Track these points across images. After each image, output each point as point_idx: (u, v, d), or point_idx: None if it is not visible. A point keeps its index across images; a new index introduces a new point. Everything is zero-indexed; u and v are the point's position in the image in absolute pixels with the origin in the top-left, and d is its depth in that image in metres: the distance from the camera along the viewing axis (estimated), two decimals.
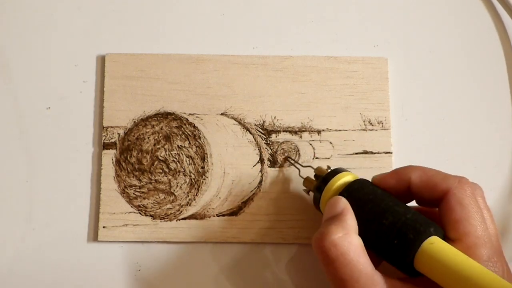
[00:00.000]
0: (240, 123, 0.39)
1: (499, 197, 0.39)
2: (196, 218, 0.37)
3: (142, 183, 0.38)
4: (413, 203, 0.33)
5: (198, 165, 0.38)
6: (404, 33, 0.41)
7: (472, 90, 0.41)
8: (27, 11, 0.41)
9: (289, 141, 0.39)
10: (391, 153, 0.38)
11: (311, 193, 0.35)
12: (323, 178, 0.34)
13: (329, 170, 0.34)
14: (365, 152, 0.38)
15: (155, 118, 0.39)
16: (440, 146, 0.39)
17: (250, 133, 0.39)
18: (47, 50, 0.40)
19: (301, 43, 0.41)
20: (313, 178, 0.35)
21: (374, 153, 0.38)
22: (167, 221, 0.37)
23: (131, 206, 0.37)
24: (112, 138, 0.38)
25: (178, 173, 0.38)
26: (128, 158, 0.38)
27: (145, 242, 0.37)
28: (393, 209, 0.30)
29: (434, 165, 0.33)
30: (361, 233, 0.31)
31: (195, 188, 0.38)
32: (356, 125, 0.39)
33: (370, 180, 0.33)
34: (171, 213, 0.37)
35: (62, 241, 0.37)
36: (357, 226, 0.31)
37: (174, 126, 0.39)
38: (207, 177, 0.38)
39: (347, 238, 0.29)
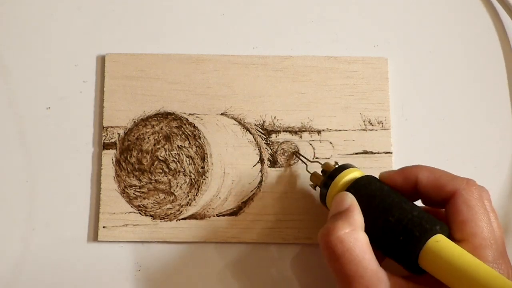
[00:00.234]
0: (240, 123, 0.39)
1: (499, 197, 0.39)
2: (196, 218, 0.37)
3: (142, 183, 0.38)
4: (419, 204, 0.33)
5: (198, 165, 0.38)
6: (404, 33, 0.41)
7: (472, 90, 0.41)
8: (27, 11, 0.41)
9: (289, 141, 0.39)
10: (391, 153, 0.38)
11: (318, 189, 0.35)
12: (330, 173, 0.34)
13: (336, 166, 0.34)
14: (365, 152, 0.38)
15: (155, 118, 0.39)
16: (440, 146, 0.39)
17: (250, 133, 0.39)
18: (47, 50, 0.40)
19: (301, 43, 0.41)
20: (320, 173, 0.35)
21: (374, 153, 0.38)
22: (167, 221, 0.37)
23: (131, 206, 0.37)
24: (112, 138, 0.38)
25: (178, 173, 0.38)
26: (128, 158, 0.38)
27: (145, 242, 0.37)
28: (399, 206, 0.31)
29: (434, 165, 0.33)
30: (367, 229, 0.31)
31: (195, 188, 0.38)
32: (356, 125, 0.39)
33: (377, 177, 0.33)
34: (171, 213, 0.37)
35: (62, 241, 0.37)
36: (363, 222, 0.31)
37: (174, 126, 0.39)
38: (207, 177, 0.38)
39: (354, 234, 0.29)
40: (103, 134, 0.39)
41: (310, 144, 0.39)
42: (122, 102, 0.39)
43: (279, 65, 0.40)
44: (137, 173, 0.38)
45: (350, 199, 0.31)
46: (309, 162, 0.37)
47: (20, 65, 0.40)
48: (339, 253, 0.29)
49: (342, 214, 0.31)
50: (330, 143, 0.39)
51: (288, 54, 0.40)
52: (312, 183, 0.36)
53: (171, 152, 0.38)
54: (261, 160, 0.38)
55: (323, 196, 0.34)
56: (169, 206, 0.38)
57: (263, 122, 0.39)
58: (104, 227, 0.37)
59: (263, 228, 0.37)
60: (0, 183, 0.38)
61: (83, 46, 0.41)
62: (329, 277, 0.36)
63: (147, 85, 0.39)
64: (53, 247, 0.37)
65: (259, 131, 0.39)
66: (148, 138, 0.39)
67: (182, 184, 0.38)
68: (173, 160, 0.38)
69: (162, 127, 0.39)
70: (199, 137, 0.39)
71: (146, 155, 0.38)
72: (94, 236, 0.37)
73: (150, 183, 0.38)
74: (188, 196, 0.38)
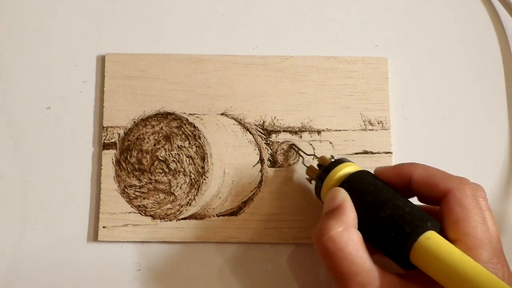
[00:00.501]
0: (240, 123, 0.39)
1: (498, 197, 0.39)
2: (196, 218, 0.37)
3: (142, 183, 0.38)
4: (415, 201, 0.33)
5: (198, 165, 0.38)
6: (404, 33, 0.41)
7: (472, 90, 0.41)
8: (27, 11, 0.41)
9: (289, 141, 0.39)
10: (391, 153, 0.38)
11: (313, 182, 0.35)
12: (326, 167, 0.34)
13: (332, 160, 0.34)
14: (365, 152, 0.38)
15: (155, 118, 0.39)
16: (440, 146, 0.39)
17: (250, 133, 0.39)
18: (47, 50, 0.40)
19: (301, 43, 0.41)
20: (316, 167, 0.35)
21: (374, 153, 0.38)
22: (167, 221, 0.37)
23: (131, 206, 0.37)
24: (112, 138, 0.38)
25: (178, 173, 0.38)
26: (128, 158, 0.38)
27: (145, 242, 0.37)
28: (392, 202, 0.31)
29: (434, 165, 0.33)
30: (359, 225, 0.31)
31: (195, 188, 0.38)
32: (356, 125, 0.39)
33: (372, 172, 0.33)
34: (171, 213, 0.37)
35: (62, 241, 0.37)
36: (356, 219, 0.31)
37: (174, 126, 0.39)
38: (207, 177, 0.38)
39: (346, 233, 0.30)
40: (103, 134, 0.39)
41: (310, 144, 0.39)
42: (122, 102, 0.39)
43: (279, 65, 0.40)
44: (137, 173, 0.38)
45: (342, 196, 0.31)
46: (306, 156, 0.37)
47: (20, 65, 0.40)
48: (332, 252, 0.29)
49: (334, 212, 0.31)
50: (330, 143, 0.39)
51: (288, 54, 0.40)
52: (308, 177, 0.36)
53: (171, 152, 0.38)
54: (261, 160, 0.38)
55: (318, 190, 0.34)
56: (169, 206, 0.38)
57: (263, 122, 0.39)
58: (104, 227, 0.37)
59: (263, 228, 0.37)
60: (0, 183, 0.38)
61: (83, 46, 0.41)
62: (328, 276, 0.36)
63: (147, 85, 0.39)
64: (53, 247, 0.37)
65: (259, 131, 0.39)
66: (148, 138, 0.39)
67: (182, 184, 0.38)
68: (173, 160, 0.38)
69: (162, 127, 0.39)
70: (199, 137, 0.39)
71: (146, 155, 0.38)
72: (94, 236, 0.37)
73: (150, 183, 0.38)
74: (188, 196, 0.38)
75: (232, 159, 0.38)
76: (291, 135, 0.39)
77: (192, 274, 0.37)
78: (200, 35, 0.41)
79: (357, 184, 0.32)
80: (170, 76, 0.40)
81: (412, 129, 0.40)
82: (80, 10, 0.41)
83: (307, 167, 0.36)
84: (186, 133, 0.39)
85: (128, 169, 0.38)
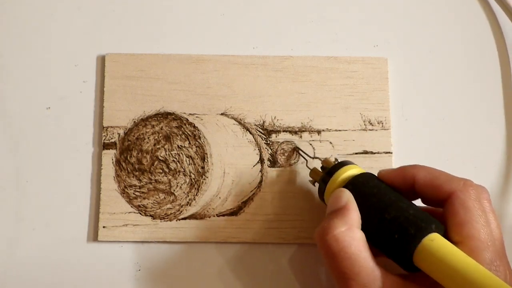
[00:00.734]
0: (240, 123, 0.39)
1: (498, 197, 0.39)
2: (196, 218, 0.37)
3: (142, 183, 0.38)
4: (419, 202, 0.33)
5: (198, 165, 0.38)
6: (404, 33, 0.41)
7: (472, 90, 0.41)
8: (27, 11, 0.41)
9: (289, 141, 0.39)
10: (391, 153, 0.38)
11: (317, 184, 0.35)
12: (329, 170, 0.34)
13: (335, 162, 0.34)
14: (365, 152, 0.38)
15: (155, 118, 0.39)
16: (440, 146, 0.39)
17: (250, 133, 0.39)
18: (47, 50, 0.40)
19: (301, 43, 0.41)
20: (319, 169, 0.35)
21: (374, 153, 0.38)
22: (167, 221, 0.37)
23: (131, 206, 0.37)
24: (112, 138, 0.38)
25: (178, 173, 0.38)
26: (128, 158, 0.38)
27: (145, 242, 0.37)
28: (396, 204, 0.31)
29: (434, 165, 0.33)
30: (363, 227, 0.31)
31: (195, 188, 0.38)
32: (356, 125, 0.39)
33: (376, 175, 0.33)
34: (171, 213, 0.37)
35: (62, 241, 0.37)
36: (360, 220, 0.31)
37: (174, 126, 0.39)
38: (207, 177, 0.38)
39: (349, 233, 0.30)
40: (103, 134, 0.39)
41: (310, 144, 0.39)
42: (122, 102, 0.39)
43: (279, 65, 0.40)
44: (137, 173, 0.38)
45: (347, 196, 0.31)
46: (310, 158, 0.37)
47: (20, 65, 0.40)
48: (335, 251, 0.29)
49: (338, 212, 0.31)
50: (330, 143, 0.39)
51: (288, 54, 0.40)
52: (311, 179, 0.36)
53: (171, 152, 0.38)
54: (261, 160, 0.38)
55: (321, 192, 0.34)
56: (169, 206, 0.38)
57: (263, 122, 0.39)
58: (104, 227, 0.37)
59: (263, 228, 0.37)
60: (0, 183, 0.38)
61: (83, 46, 0.41)
62: (329, 276, 0.36)
63: (147, 85, 0.39)
64: (53, 247, 0.37)
65: (259, 131, 0.39)
66: (148, 138, 0.39)
67: (182, 184, 0.38)
68: (173, 160, 0.38)
69: (162, 127, 0.39)
70: (199, 137, 0.39)
71: (146, 155, 0.38)
72: (94, 236, 0.37)
73: (150, 183, 0.38)
74: (188, 196, 0.38)
75: (232, 159, 0.38)
76: (291, 135, 0.39)
77: (192, 274, 0.37)
78: (200, 35, 0.41)
79: (361, 186, 0.32)
80: (170, 76, 0.40)
81: (412, 129, 0.40)
82: (80, 10, 0.41)
83: (311, 170, 0.36)
84: (186, 133, 0.39)
85: (128, 169, 0.38)
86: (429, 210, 0.33)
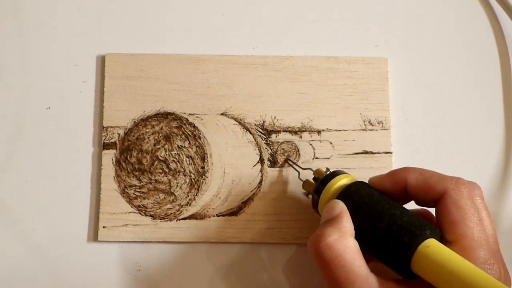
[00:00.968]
0: (240, 123, 0.39)
1: (498, 197, 0.39)
2: (196, 218, 0.37)
3: (142, 183, 0.38)
4: (412, 205, 0.33)
5: (198, 165, 0.38)
6: (404, 33, 0.41)
7: (472, 90, 0.41)
8: (27, 11, 0.41)
9: (289, 141, 0.39)
10: (391, 153, 0.38)
11: (311, 196, 0.35)
12: (321, 181, 0.34)
13: (327, 173, 0.34)
14: (365, 152, 0.38)
15: (155, 118, 0.39)
16: (440, 146, 0.39)
17: (250, 133, 0.39)
18: (47, 50, 0.40)
19: (301, 43, 0.41)
20: (312, 180, 0.35)
21: (374, 153, 0.38)
22: (167, 221, 0.37)
23: (131, 206, 0.37)
24: (112, 138, 0.38)
25: (178, 173, 0.38)
26: (128, 158, 0.38)
27: (145, 242, 0.37)
28: (389, 212, 0.30)
29: (434, 165, 0.33)
30: (358, 236, 0.30)
31: (195, 188, 0.38)
32: (356, 125, 0.39)
33: (367, 182, 0.33)
34: (171, 213, 0.37)
35: (62, 241, 0.37)
36: (353, 229, 0.31)
37: (174, 126, 0.39)
38: (207, 177, 0.38)
39: (343, 241, 0.29)
40: (103, 134, 0.39)
41: (310, 144, 0.39)
42: (122, 102, 0.39)
43: (279, 65, 0.40)
44: (137, 173, 0.38)
45: (340, 207, 0.31)
46: (301, 170, 0.37)
47: (21, 65, 0.40)
48: (328, 259, 0.29)
49: (332, 221, 0.31)
50: (330, 143, 0.39)
51: (288, 54, 0.40)
52: (304, 191, 0.36)
53: (171, 152, 0.38)
54: (261, 160, 0.38)
55: (315, 203, 0.34)
56: (169, 206, 0.38)
57: (263, 122, 0.39)
58: (104, 227, 0.37)
59: (263, 228, 0.37)
60: (0, 183, 0.38)
61: (83, 46, 0.41)
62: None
63: (147, 85, 0.39)
64: (53, 247, 0.37)
65: (259, 131, 0.39)
66: (148, 138, 0.39)
67: (182, 184, 0.38)
68: (173, 160, 0.38)
69: (162, 127, 0.39)
70: (199, 137, 0.39)
71: (146, 155, 0.38)
72: (94, 236, 0.37)
73: (150, 183, 0.38)
74: (188, 196, 0.38)
75: (232, 159, 0.38)
76: (291, 135, 0.39)
77: (192, 274, 0.37)
78: (200, 35, 0.41)
79: (353, 196, 0.32)
80: (170, 76, 0.40)
81: (412, 129, 0.40)
82: (80, 10, 0.41)
83: (303, 182, 0.36)
84: (186, 133, 0.39)
85: (128, 169, 0.38)
86: (422, 212, 0.33)
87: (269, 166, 0.38)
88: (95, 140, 0.39)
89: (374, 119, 0.39)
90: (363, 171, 0.37)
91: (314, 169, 0.36)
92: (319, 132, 0.39)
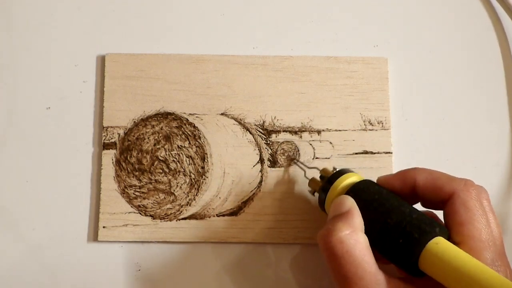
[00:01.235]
0: (240, 123, 0.39)
1: (498, 197, 0.39)
2: (196, 218, 0.37)
3: (142, 183, 0.38)
4: (419, 206, 0.33)
5: (198, 165, 0.38)
6: (404, 33, 0.41)
7: (472, 90, 0.41)
8: (27, 11, 0.41)
9: (289, 141, 0.39)
10: (391, 153, 0.38)
11: (316, 194, 0.35)
12: (329, 179, 0.34)
13: (334, 171, 0.34)
14: (365, 152, 0.38)
15: (155, 118, 0.39)
16: (440, 146, 0.39)
17: (250, 133, 0.39)
18: (47, 50, 0.40)
19: (301, 43, 0.41)
20: (318, 179, 0.35)
21: (374, 153, 0.38)
22: (167, 221, 0.37)
23: (131, 206, 0.37)
24: (112, 138, 0.38)
25: (178, 173, 0.38)
26: (128, 158, 0.38)
27: (145, 242, 0.37)
28: (398, 209, 0.30)
29: (434, 165, 0.33)
30: (366, 233, 0.30)
31: (195, 188, 0.38)
32: (356, 125, 0.39)
33: (375, 181, 0.33)
34: (171, 213, 0.37)
35: (62, 241, 0.37)
36: (363, 225, 0.31)
37: (174, 126, 0.39)
38: (207, 177, 0.38)
39: (354, 236, 0.29)
40: (103, 134, 0.39)
41: (310, 144, 0.39)
42: (122, 102, 0.39)
43: (279, 65, 0.40)
44: (137, 173, 0.38)
45: (350, 202, 0.31)
46: (307, 169, 0.37)
47: (21, 65, 0.40)
48: (339, 254, 0.29)
49: (342, 216, 0.31)
50: (330, 143, 0.39)
51: (288, 54, 0.40)
52: (310, 189, 0.36)
53: (171, 152, 0.38)
54: (261, 160, 0.38)
55: (321, 201, 0.34)
56: (169, 206, 0.38)
57: (263, 122, 0.39)
58: (104, 227, 0.37)
59: (263, 228, 0.37)
60: (0, 183, 0.38)
61: (83, 46, 0.41)
62: (329, 277, 0.36)
63: (147, 85, 0.39)
64: (53, 247, 0.37)
65: (259, 131, 0.39)
66: (148, 138, 0.39)
67: (182, 184, 0.38)
68: (173, 160, 0.38)
69: (162, 127, 0.39)
70: (199, 137, 0.39)
71: (146, 155, 0.38)
72: (94, 236, 0.37)
73: (150, 183, 0.38)
74: (188, 196, 0.38)
75: (232, 159, 0.38)
76: (291, 135, 0.39)
77: (192, 274, 0.37)
78: (200, 35, 0.41)
79: (362, 193, 0.32)
80: (170, 76, 0.40)
81: (412, 129, 0.40)
82: (80, 10, 0.41)
83: (309, 180, 0.36)
84: (186, 133, 0.39)
85: (128, 169, 0.38)
86: (429, 215, 0.33)
87: (269, 166, 0.38)
88: (95, 140, 0.39)
89: (374, 119, 0.39)
90: (363, 171, 0.37)
91: (321, 168, 0.36)
92: (319, 132, 0.39)
